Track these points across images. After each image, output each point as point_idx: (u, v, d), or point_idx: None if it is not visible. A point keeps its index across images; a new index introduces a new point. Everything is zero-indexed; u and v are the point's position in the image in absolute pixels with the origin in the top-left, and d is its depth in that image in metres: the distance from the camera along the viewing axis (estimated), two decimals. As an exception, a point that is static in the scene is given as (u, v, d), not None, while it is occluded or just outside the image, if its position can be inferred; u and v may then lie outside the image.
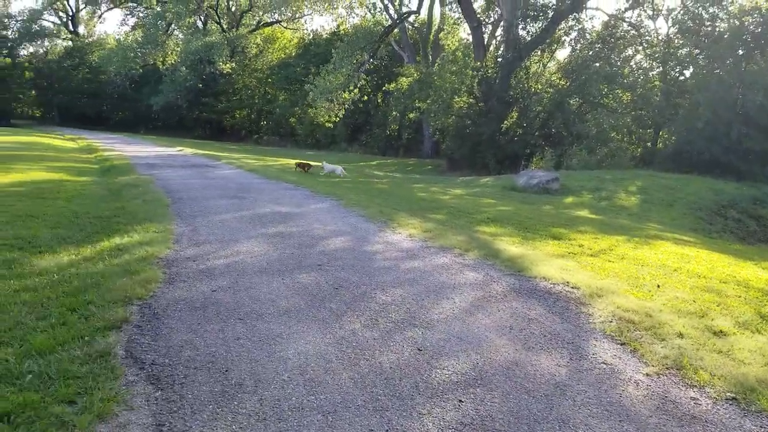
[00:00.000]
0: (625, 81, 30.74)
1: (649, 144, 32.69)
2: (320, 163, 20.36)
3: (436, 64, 33.77)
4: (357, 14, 44.99)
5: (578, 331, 4.79)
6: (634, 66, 33.88)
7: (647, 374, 4.07)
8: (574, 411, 3.49)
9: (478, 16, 34.01)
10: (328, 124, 34.57)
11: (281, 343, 4.17)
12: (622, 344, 4.55)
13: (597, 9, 67.49)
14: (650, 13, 34.39)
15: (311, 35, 55.16)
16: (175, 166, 17.88)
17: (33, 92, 62.82)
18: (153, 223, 8.25)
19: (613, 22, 33.51)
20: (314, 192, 12.67)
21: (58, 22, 66.01)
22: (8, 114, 58.35)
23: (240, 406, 3.28)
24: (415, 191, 16.21)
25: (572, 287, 5.90)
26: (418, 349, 4.20)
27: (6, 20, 58.99)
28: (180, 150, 26.99)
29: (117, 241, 7.00)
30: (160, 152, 24.81)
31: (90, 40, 64.80)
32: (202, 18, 56.86)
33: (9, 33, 59.01)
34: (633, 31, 33.44)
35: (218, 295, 5.15)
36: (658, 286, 6.24)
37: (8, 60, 56.41)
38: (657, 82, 31.85)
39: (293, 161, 25.42)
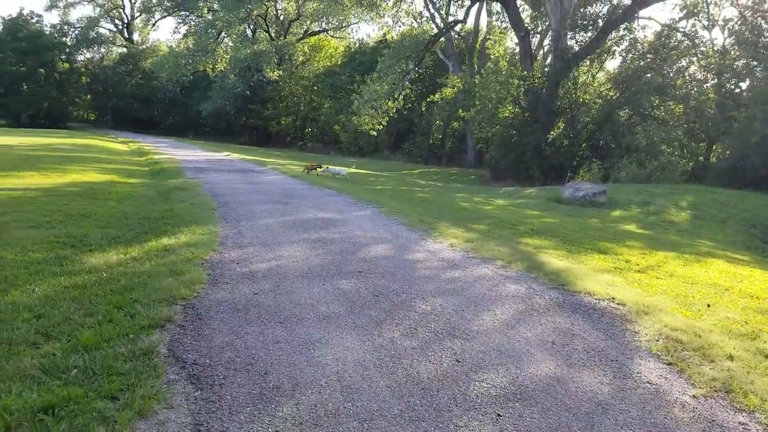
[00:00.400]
0: (678, 93, 30.03)
1: (701, 158, 31.81)
2: (326, 166, 21.00)
3: (482, 74, 33.56)
4: (403, 23, 45.21)
5: (623, 348, 4.66)
6: (687, 77, 33.05)
7: (694, 396, 3.94)
8: (615, 430, 3.40)
9: (526, 25, 33.71)
10: (372, 132, 34.71)
11: (320, 348, 4.19)
12: (668, 364, 4.41)
13: (650, 18, 65.59)
14: (705, 23, 33.64)
15: (357, 44, 55.66)
16: (222, 171, 18.21)
17: (88, 96, 65.12)
18: (199, 225, 8.41)
19: (666, 32, 32.78)
20: (356, 199, 12.72)
21: (114, 29, 68.48)
22: (65, 117, 60.66)
23: (277, 410, 3.30)
24: (457, 201, 16.13)
25: (618, 303, 5.76)
26: (457, 360, 4.16)
27: (65, 27, 61.33)
28: (227, 155, 27.50)
29: (164, 242, 7.15)
30: (208, 157, 25.32)
31: (144, 47, 66.92)
32: (251, 26, 57.91)
33: (68, 39, 61.41)
34: (687, 42, 32.66)
35: (260, 298, 5.21)
36: (708, 306, 6.04)
37: (66, 65, 58.57)
38: (711, 95, 31.01)
39: (336, 168, 25.66)
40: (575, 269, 7.17)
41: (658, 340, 4.84)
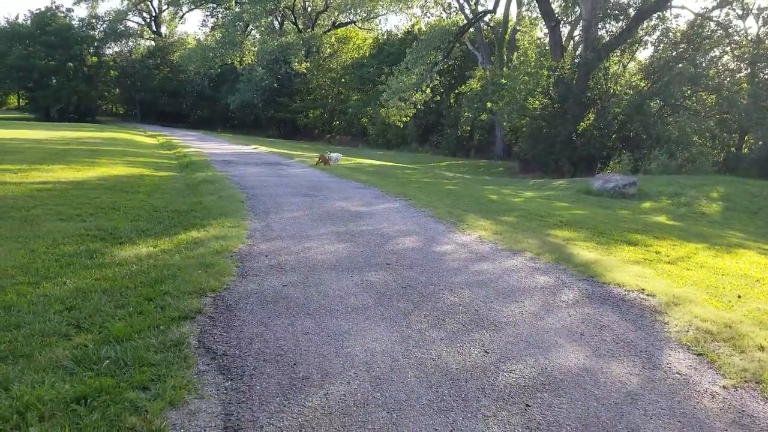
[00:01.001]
0: (710, 83, 29.37)
1: (733, 149, 31.13)
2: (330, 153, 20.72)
3: (511, 64, 33.22)
4: (432, 14, 44.97)
5: (652, 339, 4.59)
6: (720, 67, 32.29)
7: (724, 387, 3.86)
8: (644, 421, 3.35)
9: (556, 15, 33.23)
10: (399, 124, 34.62)
11: (348, 339, 4.19)
12: (698, 355, 4.33)
13: (683, 8, 64.28)
14: (739, 12, 32.78)
15: (385, 35, 55.45)
16: (250, 164, 18.34)
17: (117, 90, 66.08)
18: (228, 218, 8.48)
19: (699, 21, 32.04)
20: (384, 191, 12.71)
21: (142, 22, 69.13)
22: (93, 111, 61.63)
23: (306, 400, 3.31)
24: (485, 193, 16.01)
25: (647, 295, 5.66)
26: (485, 351, 4.13)
27: (93, 21, 62.09)
28: (255, 148, 27.69)
29: (193, 235, 7.23)
30: (236, 150, 25.53)
31: (171, 40, 67.49)
32: (279, 18, 58.15)
33: (96, 33, 62.12)
34: (720, 31, 31.91)
35: (288, 290, 5.23)
36: (739, 297, 5.91)
37: (95, 59, 59.44)
38: (744, 85, 30.28)
39: (364, 161, 25.67)
40: (604, 261, 7.07)
41: (687, 331, 4.75)
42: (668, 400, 3.62)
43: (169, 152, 22.96)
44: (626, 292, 5.73)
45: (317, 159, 20.08)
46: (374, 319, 4.62)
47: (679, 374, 4.00)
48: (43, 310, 4.40)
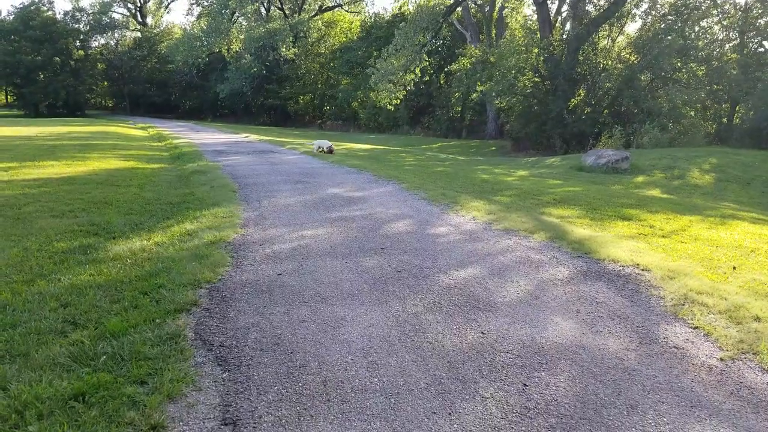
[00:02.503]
0: (700, 54, 29.30)
1: (724, 120, 31.14)
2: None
3: (500, 43, 33.05)
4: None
5: (648, 314, 4.61)
6: (709, 38, 32.17)
7: (721, 359, 3.89)
8: (643, 396, 3.37)
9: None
10: (389, 107, 34.45)
11: (345, 325, 4.20)
12: (694, 328, 4.36)
13: None
14: (727, -20, 32.61)
15: (373, 18, 54.93)
16: (241, 153, 18.27)
17: (105, 83, 65.51)
18: (221, 208, 8.46)
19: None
20: (377, 176, 12.68)
21: (127, 13, 68.34)
22: (83, 105, 61.02)
23: (304, 387, 3.31)
24: (478, 173, 16.01)
25: (642, 269, 5.69)
26: (482, 332, 4.15)
27: (78, 13, 61.43)
28: (246, 136, 27.58)
29: (187, 227, 7.20)
30: (227, 139, 25.41)
31: (158, 30, 66.93)
32: (265, 4, 57.60)
33: (81, 26, 61.47)
34: (708, 0, 31.74)
35: (284, 279, 5.23)
36: (734, 268, 5.94)
37: (81, 52, 58.77)
38: (734, 55, 30.23)
39: (356, 145, 25.60)
40: (599, 237, 7.09)
41: (683, 305, 4.77)
42: (666, 375, 3.64)
43: (159, 144, 22.84)
44: (621, 268, 5.75)
45: (312, 148, 19.79)
46: (370, 304, 4.62)
47: (676, 348, 4.03)
48: (38, 307, 4.39)
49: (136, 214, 8.20)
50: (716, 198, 14.85)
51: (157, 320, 4.20)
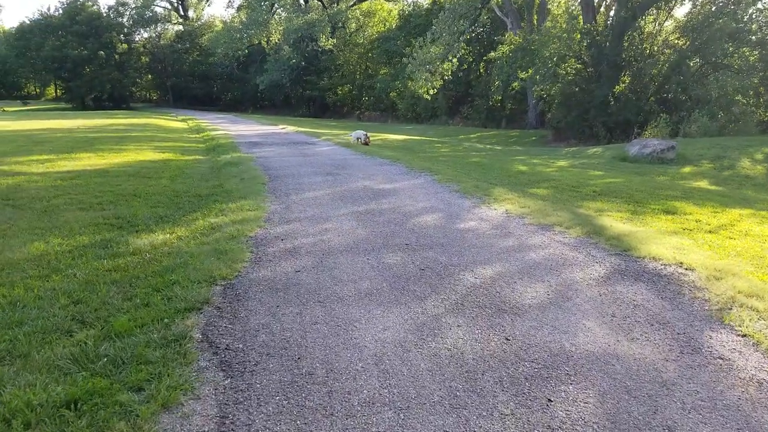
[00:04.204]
0: (753, 38, 27.97)
1: (778, 107, 29.72)
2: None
3: (542, 28, 32.20)
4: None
5: (691, 319, 4.23)
6: (763, 21, 30.65)
7: (773, 372, 3.51)
8: (682, 416, 3.02)
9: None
10: (426, 96, 34.00)
11: (359, 329, 3.95)
12: (743, 336, 3.97)
13: None
14: (782, -39, 31.03)
15: (411, 6, 54.40)
16: (276, 144, 18.19)
17: (149, 76, 66.72)
18: (248, 201, 8.32)
19: (739, -29, 30.42)
20: (409, 167, 12.39)
21: (169, 7, 69.27)
22: (127, 97, 62.39)
23: (307, 399, 3.07)
24: (515, 164, 15.56)
25: (686, 269, 5.27)
26: (506, 339, 3.85)
27: (121, 8, 62.54)
28: (282, 128, 27.56)
29: (211, 221, 7.07)
30: (263, 131, 25.43)
31: (199, 23, 67.67)
32: (304, -5, 57.64)
33: (124, 20, 62.62)
34: (763, -19, 30.26)
35: (301, 276, 5.01)
36: (788, 268, 5.49)
37: (125, 46, 60.02)
38: (790, 39, 28.77)
39: (392, 136, 25.32)
40: (639, 232, 6.67)
41: (731, 309, 4.38)
42: (709, 390, 3.28)
43: (197, 136, 22.97)
44: (662, 267, 5.35)
45: (350, 139, 19.61)
46: (387, 305, 4.36)
47: (722, 359, 3.66)
48: (48, 305, 4.28)
49: (163, 206, 8.12)
50: (768, 189, 14.10)
51: (166, 320, 4.03)
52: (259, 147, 17.06)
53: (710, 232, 7.04)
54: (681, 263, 5.41)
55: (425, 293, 4.61)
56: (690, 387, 3.31)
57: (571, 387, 3.27)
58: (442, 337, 3.83)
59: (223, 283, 4.85)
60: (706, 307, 4.44)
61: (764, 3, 30.58)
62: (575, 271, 5.22)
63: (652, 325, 4.11)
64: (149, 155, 14.44)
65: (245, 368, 3.41)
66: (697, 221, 7.66)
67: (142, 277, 4.95)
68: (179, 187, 9.82)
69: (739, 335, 3.98)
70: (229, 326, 3.99)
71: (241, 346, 3.70)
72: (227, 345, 3.71)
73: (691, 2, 31.30)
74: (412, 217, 7.48)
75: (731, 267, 5.28)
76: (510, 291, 4.68)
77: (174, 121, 33.74)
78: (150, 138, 19.85)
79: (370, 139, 19.61)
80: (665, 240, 6.33)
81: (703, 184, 14.14)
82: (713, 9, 28.29)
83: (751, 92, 27.95)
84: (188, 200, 8.65)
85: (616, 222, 7.30)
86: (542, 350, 3.70)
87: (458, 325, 4.02)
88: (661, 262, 5.46)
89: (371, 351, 3.63)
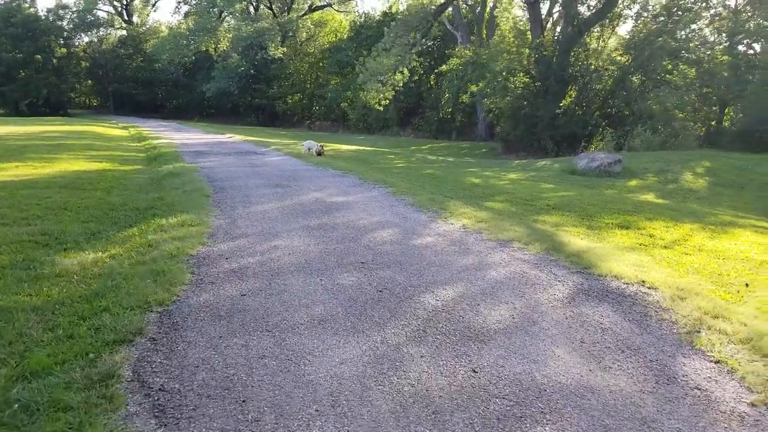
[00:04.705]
0: (691, 56, 28.90)
1: (713, 123, 30.77)
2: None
3: (491, 42, 32.49)
4: (409, -7, 43.95)
5: (662, 344, 4.00)
6: (699, 40, 31.76)
7: (752, 404, 3.29)
8: (671, 460, 2.75)
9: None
10: (377, 107, 33.80)
11: (312, 362, 3.55)
12: (716, 362, 3.76)
13: None
14: (717, -18, 32.23)
15: (362, 18, 54.25)
16: (222, 154, 17.56)
17: (89, 82, 64.36)
18: (190, 215, 7.79)
19: (679, -9, 31.39)
20: (363, 179, 12.03)
21: (113, 11, 67.13)
22: (65, 104, 59.89)
23: (253, 454, 2.67)
24: (468, 176, 15.40)
25: (649, 287, 5.08)
26: (473, 371, 3.51)
27: (61, 11, 60.22)
28: (229, 137, 26.82)
29: (149, 237, 6.54)
30: (209, 139, 24.65)
31: (144, 28, 65.75)
32: (254, 3, 56.81)
33: (65, 23, 60.26)
34: (700, 3, 31.32)
35: (247, 301, 4.58)
36: (747, 285, 5.36)
37: (64, 50, 57.76)
38: (725, 57, 29.84)
39: (344, 146, 24.95)
40: (598, 249, 6.50)
41: (699, 332, 4.18)
42: (692, 428, 3.03)
43: (138, 144, 22.04)
44: (625, 286, 5.14)
45: (302, 149, 18.88)
46: (343, 333, 3.98)
47: (699, 389, 3.42)
48: (-46, 339, 3.73)
49: (96, 221, 7.54)
50: (711, 203, 14.34)
51: (91, 355, 3.55)
52: (204, 156, 16.42)
53: (666, 247, 6.93)
54: (643, 282, 5.22)
55: (384, 319, 4.24)
56: (672, 424, 3.06)
57: (547, 428, 2.96)
58: (404, 371, 3.48)
59: (159, 309, 4.38)
60: (675, 330, 4.23)
61: (700, 24, 31.73)
62: (538, 292, 4.94)
63: (623, 351, 3.86)
64: (84, 165, 13.65)
65: (182, 414, 2.97)
66: (651, 236, 7.57)
67: (67, 303, 4.44)
68: (115, 199, 9.21)
69: (712, 361, 3.77)
70: (165, 362, 3.54)
71: (177, 386, 3.25)
72: (161, 385, 3.25)
73: (632, 20, 32.17)
74: (368, 232, 7.12)
75: (693, 286, 5.12)
76: (474, 315, 4.36)
77: (114, 129, 32.48)
78: (86, 146, 18.89)
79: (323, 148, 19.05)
80: (624, 256, 6.16)
81: (650, 197, 14.28)
82: (654, 27, 29.10)
83: (689, 108, 28.86)
84: (125, 214, 8.09)
85: (573, 237, 7.12)
86: (513, 384, 3.38)
87: (421, 356, 3.67)
88: (623, 281, 5.26)
89: (326, 389, 3.24)
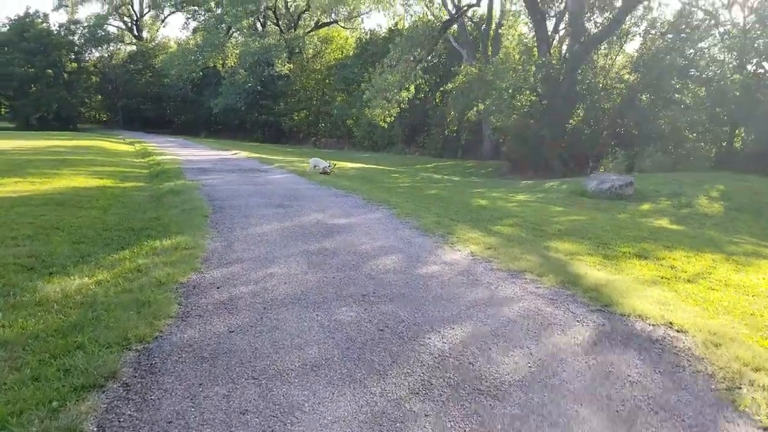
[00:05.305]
0: (703, 76, 28.53)
1: (724, 143, 30.35)
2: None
3: (497, 60, 32.25)
4: (415, 12, 44.00)
5: (700, 404, 3.52)
6: (708, 58, 31.38)
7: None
8: None
9: (540, 7, 32.21)
10: (382, 124, 33.56)
11: (300, 420, 3.12)
12: (765, 430, 3.30)
13: None
14: (724, 1, 31.93)
15: (368, 35, 54.24)
16: (226, 171, 17.22)
17: (99, 96, 64.64)
18: (186, 236, 7.42)
19: (687, 10, 31.14)
20: (366, 199, 11.64)
21: (123, 27, 67.59)
22: (75, 118, 60.11)
23: None
24: (475, 197, 15.01)
25: (678, 330, 4.64)
26: (487, 433, 3.09)
27: (73, 26, 60.64)
28: (234, 153, 26.54)
29: (139, 262, 6.16)
30: (214, 156, 24.37)
31: (153, 44, 66.01)
32: (261, 20, 56.93)
33: (75, 38, 60.66)
34: (708, 20, 31.01)
35: (234, 339, 4.18)
36: (785, 328, 4.92)
37: (74, 65, 58.05)
38: (736, 76, 29.48)
39: (348, 164, 24.63)
40: (617, 282, 6.07)
41: (740, 388, 3.72)
42: None
43: (142, 160, 21.78)
44: (651, 328, 4.70)
45: (307, 167, 18.49)
46: (338, 383, 3.55)
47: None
48: None
49: (87, 242, 7.20)
50: (728, 229, 13.88)
51: (55, 403, 3.17)
52: (207, 174, 16.09)
53: (689, 281, 6.50)
54: (670, 323, 4.78)
55: (384, 365, 3.82)
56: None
57: None
58: (406, 432, 3.06)
59: (138, 347, 3.99)
60: (713, 386, 3.77)
61: (709, 41, 31.40)
62: (556, 334, 4.51)
63: (657, 413, 3.41)
64: (85, 181, 13.33)
65: (146, 485, 2.57)
66: (672, 267, 7.15)
67: (41, 337, 4.08)
68: (111, 219, 8.86)
69: (760, 428, 3.31)
70: (135, 414, 3.13)
71: (146, 447, 2.85)
72: (128, 445, 2.86)
73: (640, 38, 31.90)
74: (370, 259, 6.72)
75: (726, 330, 4.68)
76: (485, 361, 3.93)
77: (120, 144, 32.31)
78: (90, 162, 18.60)
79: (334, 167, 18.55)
80: (647, 292, 5.74)
81: (665, 222, 13.85)
82: (662, 44, 28.79)
83: (700, 128, 28.43)
84: (118, 235, 7.73)
85: (589, 268, 6.70)
86: (530, 449, 2.96)
87: (426, 414, 3.24)
88: (649, 322, 4.81)
89: (315, 455, 2.83)
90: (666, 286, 6.14)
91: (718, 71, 30.07)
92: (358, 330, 4.41)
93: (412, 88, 31.21)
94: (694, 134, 28.45)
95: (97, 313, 4.55)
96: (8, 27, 56.70)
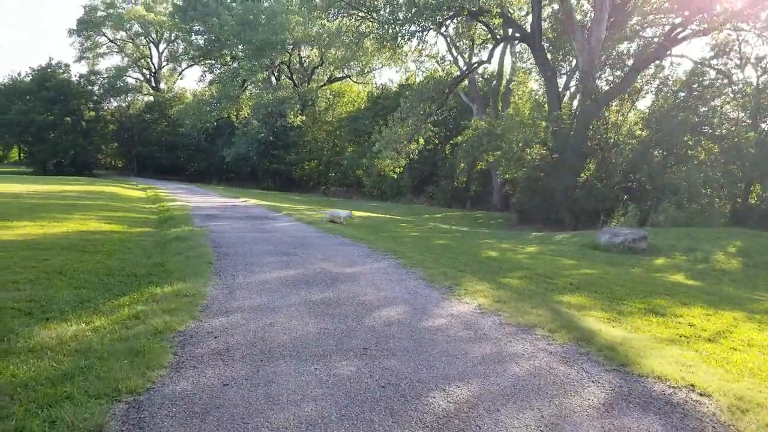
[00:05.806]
0: (717, 133, 28.57)
1: (739, 199, 30.10)
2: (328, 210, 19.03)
3: (506, 113, 32.55)
4: (426, 69, 44.72)
5: (726, 475, 3.30)
6: (721, 115, 31.48)
7: None
8: None
9: (551, 65, 32.68)
10: (392, 174, 33.72)
11: (293, 483, 2.94)
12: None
13: (682, 56, 60.05)
14: (737, 62, 32.24)
15: (380, 89, 55.20)
16: (234, 218, 17.19)
17: (115, 144, 65.95)
18: (188, 283, 7.30)
19: (699, 69, 31.44)
20: (372, 248, 11.49)
21: (141, 78, 69.39)
22: (91, 164, 61.28)
23: None
24: (483, 248, 14.83)
25: (700, 394, 4.38)
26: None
27: (93, 77, 62.40)
28: (243, 201, 26.62)
29: (138, 308, 6.03)
30: (223, 203, 24.43)
31: (170, 95, 67.51)
32: (275, 73, 58.14)
33: (95, 88, 62.32)
34: (720, 79, 31.26)
35: (229, 393, 3.98)
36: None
37: (92, 113, 59.45)
38: (751, 134, 29.49)
39: (356, 213, 24.61)
40: (633, 340, 5.82)
41: (771, 458, 3.48)
42: None
43: (152, 206, 21.84)
44: (672, 390, 4.45)
45: (319, 215, 18.58)
46: (336, 444, 3.36)
47: None
48: None
49: (88, 287, 7.08)
50: (747, 286, 13.54)
51: (33, 462, 2.98)
52: (215, 220, 16.05)
53: (710, 340, 6.24)
54: (692, 386, 4.53)
55: (385, 426, 3.60)
56: None
57: None
58: (405, 500, 2.84)
59: (128, 399, 3.81)
60: (741, 458, 3.52)
61: (722, 99, 31.56)
62: (569, 395, 4.27)
63: (679, 485, 3.17)
64: (93, 226, 13.31)
65: None
66: (690, 325, 6.89)
67: (30, 386, 3.93)
68: (115, 264, 8.76)
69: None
70: (117, 475, 2.94)
71: None
72: None
73: (653, 95, 32.12)
74: (373, 310, 6.53)
75: (753, 394, 4.41)
76: (493, 425, 3.70)
77: (133, 190, 32.55)
78: (100, 207, 18.68)
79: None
80: (665, 351, 5.48)
81: (680, 278, 13.55)
82: (675, 102, 28.94)
83: (716, 184, 28.28)
84: (120, 280, 7.62)
85: (604, 325, 6.46)
86: None
87: (428, 483, 3.02)
88: (668, 384, 4.57)
89: None
90: (685, 346, 5.89)
91: (732, 128, 30.14)
92: (358, 386, 4.21)
93: (421, 140, 31.47)
94: (709, 190, 28.28)
95: (89, 362, 4.39)
96: (31, 77, 58.49)
